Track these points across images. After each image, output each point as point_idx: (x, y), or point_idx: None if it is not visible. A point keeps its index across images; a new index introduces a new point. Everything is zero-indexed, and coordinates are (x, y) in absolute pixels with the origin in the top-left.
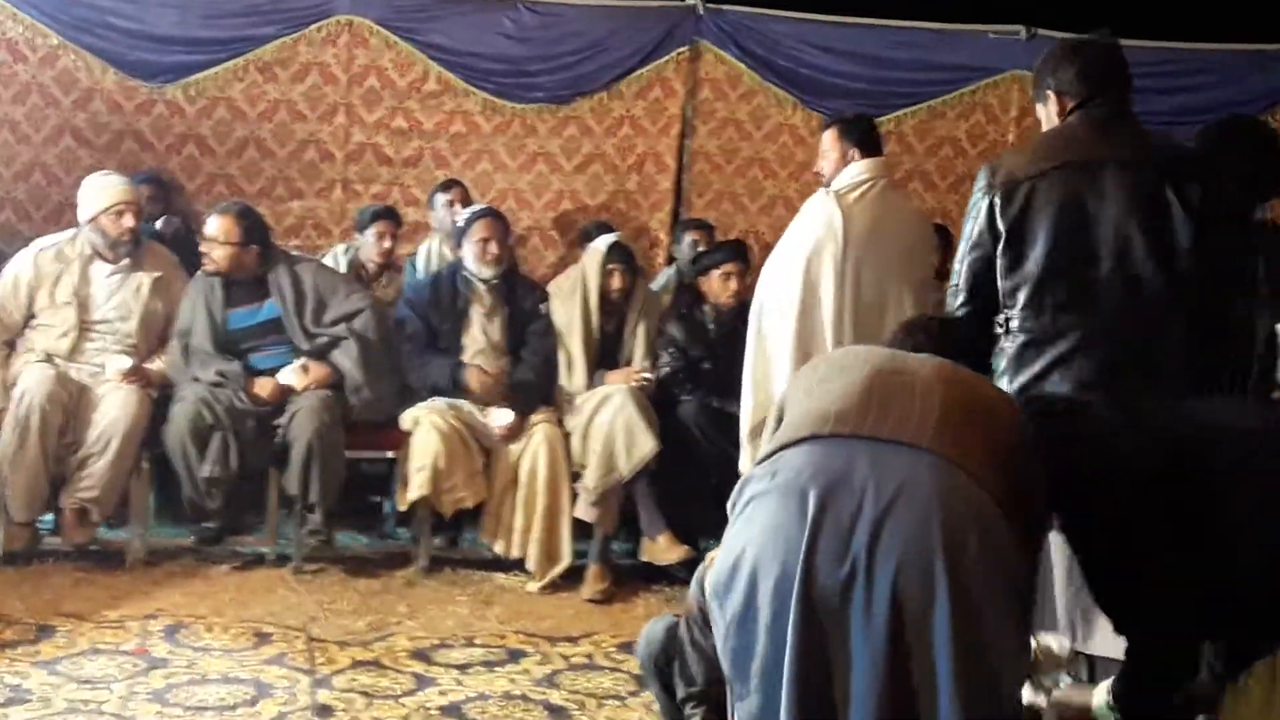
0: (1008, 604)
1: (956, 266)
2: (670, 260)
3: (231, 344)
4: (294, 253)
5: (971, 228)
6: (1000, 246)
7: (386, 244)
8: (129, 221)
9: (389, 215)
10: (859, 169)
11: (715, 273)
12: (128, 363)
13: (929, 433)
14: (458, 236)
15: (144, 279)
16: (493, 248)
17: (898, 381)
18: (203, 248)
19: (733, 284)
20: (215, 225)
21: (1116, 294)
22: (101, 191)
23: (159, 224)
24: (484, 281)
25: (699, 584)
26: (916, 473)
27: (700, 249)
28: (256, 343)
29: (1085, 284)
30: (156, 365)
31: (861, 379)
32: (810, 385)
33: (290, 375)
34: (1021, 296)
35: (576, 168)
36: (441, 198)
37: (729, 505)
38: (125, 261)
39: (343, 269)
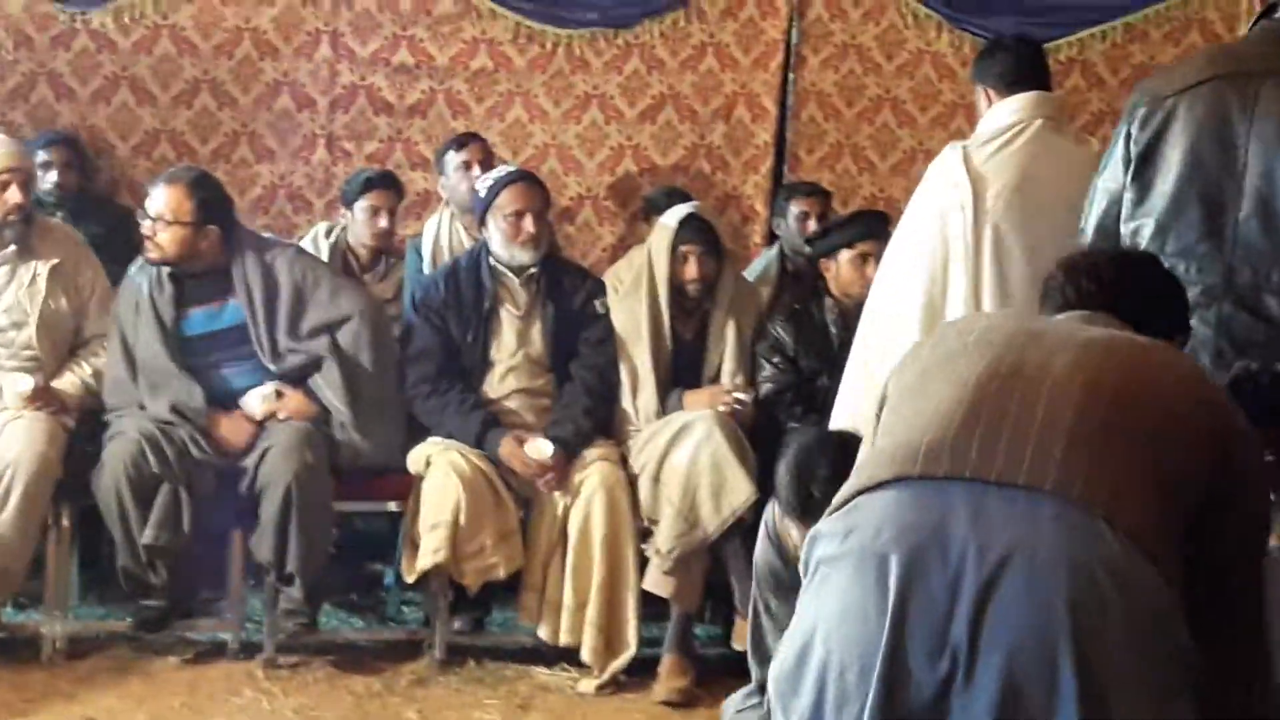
0: (1167, 699)
1: (1085, 208)
2: (771, 238)
3: (188, 357)
4: (265, 235)
5: (1105, 160)
6: (1128, 178)
7: (382, 222)
8: (15, 196)
9: (386, 183)
10: (1003, 111)
11: (844, 255)
12: (30, 382)
13: (1053, 467)
14: (479, 210)
15: (39, 269)
16: (528, 224)
17: (1017, 388)
18: (144, 229)
19: (870, 270)
20: (161, 199)
21: (1252, 246)
22: None
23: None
24: (517, 271)
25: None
26: (1034, 529)
27: (810, 222)
28: (222, 355)
29: (1213, 231)
30: (69, 383)
31: (969, 385)
32: (912, 384)
33: (258, 401)
34: (1142, 241)
35: (642, 115)
36: (455, 158)
37: (800, 566)
38: (11, 249)
39: (324, 257)
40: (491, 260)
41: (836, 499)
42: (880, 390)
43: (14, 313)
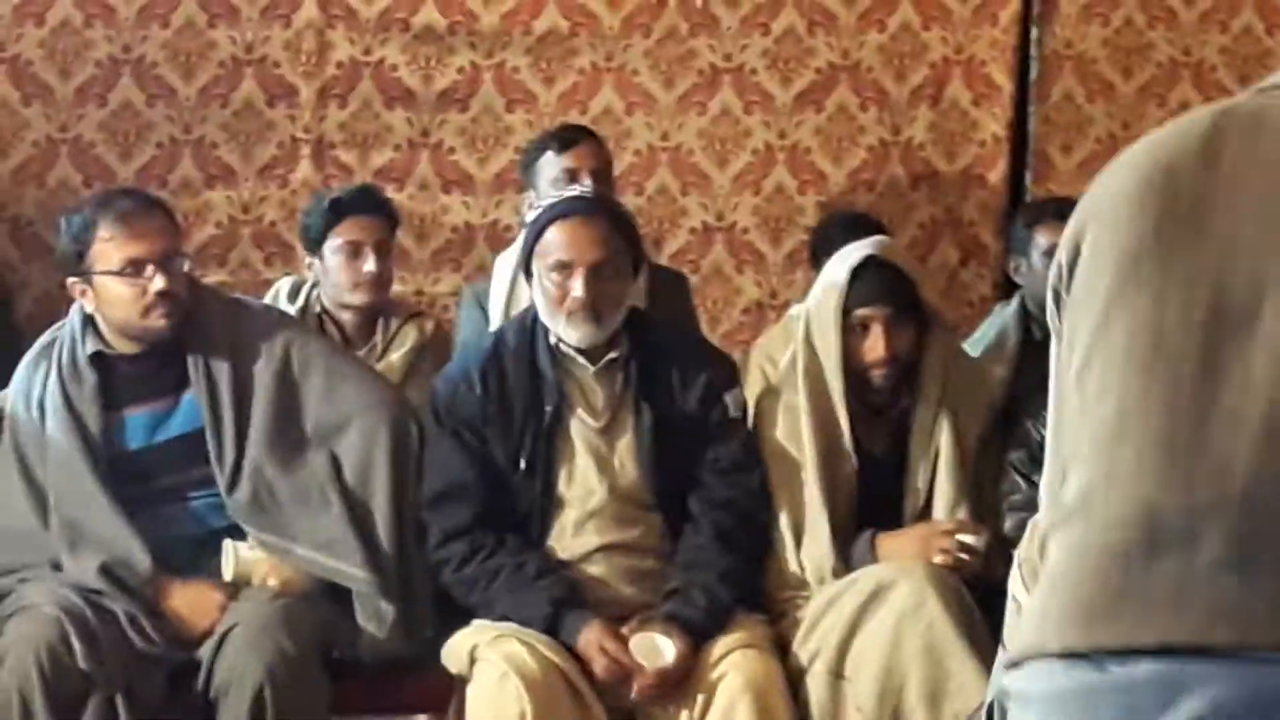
0: None
1: None
2: (1008, 288)
3: (125, 486)
4: (231, 295)
5: None
6: None
7: (368, 265)
8: None
9: (364, 204)
10: None
11: None
12: None
13: None
14: (525, 256)
15: None
16: (576, 285)
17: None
18: (74, 286)
19: None
20: (153, 226)
21: None
22: None
23: None
24: (591, 356)
25: None
26: None
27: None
28: (174, 478)
29: None
30: None
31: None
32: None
33: (232, 561)
34: None
35: (801, 99)
36: (554, 164)
37: None
38: None
39: None
40: (553, 338)
41: (1002, 658)
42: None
43: None
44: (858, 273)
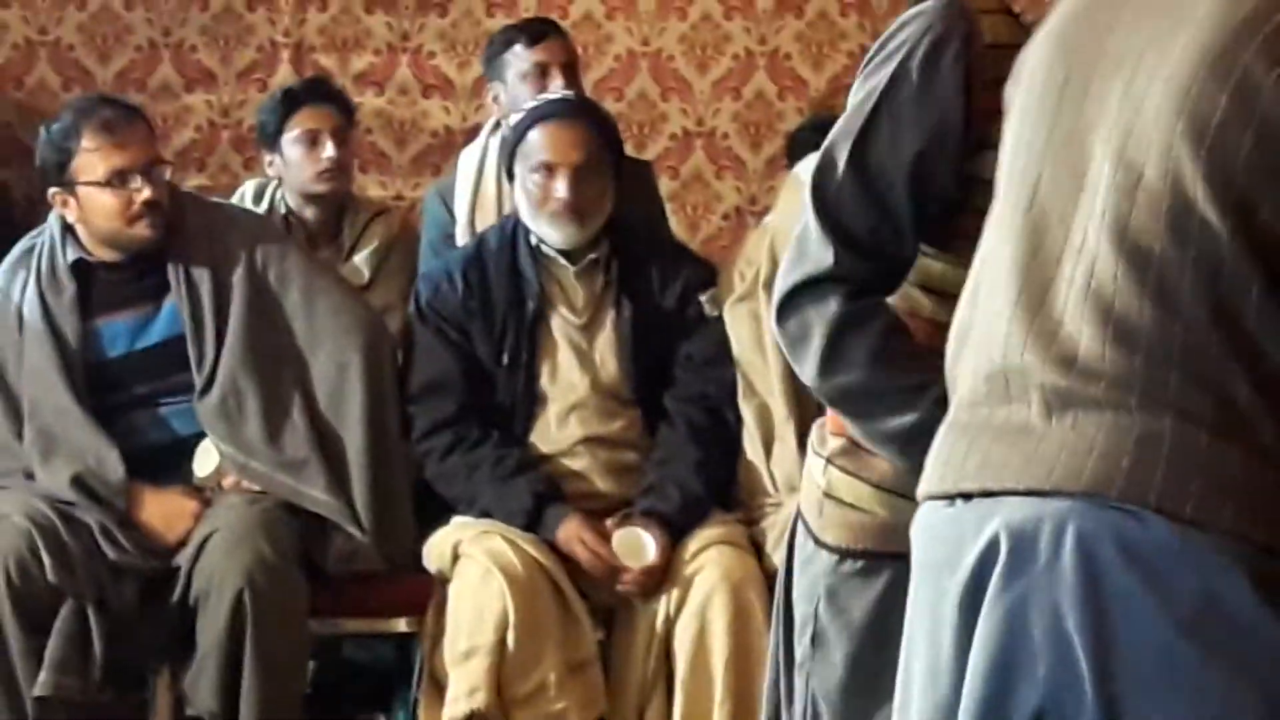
0: None
1: None
2: None
3: (101, 395)
4: (210, 199)
5: None
6: None
7: (327, 152)
8: None
9: (318, 93)
10: None
11: None
12: None
13: None
14: (506, 157)
15: None
16: (560, 185)
17: None
18: (55, 196)
19: None
20: (140, 133)
21: None
22: None
23: None
24: (571, 256)
25: None
26: None
27: None
28: (152, 386)
29: None
30: None
31: None
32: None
33: (207, 461)
34: None
35: (782, 4)
36: (521, 58)
37: None
38: None
39: None
40: (534, 239)
41: None
42: None
43: None
44: None
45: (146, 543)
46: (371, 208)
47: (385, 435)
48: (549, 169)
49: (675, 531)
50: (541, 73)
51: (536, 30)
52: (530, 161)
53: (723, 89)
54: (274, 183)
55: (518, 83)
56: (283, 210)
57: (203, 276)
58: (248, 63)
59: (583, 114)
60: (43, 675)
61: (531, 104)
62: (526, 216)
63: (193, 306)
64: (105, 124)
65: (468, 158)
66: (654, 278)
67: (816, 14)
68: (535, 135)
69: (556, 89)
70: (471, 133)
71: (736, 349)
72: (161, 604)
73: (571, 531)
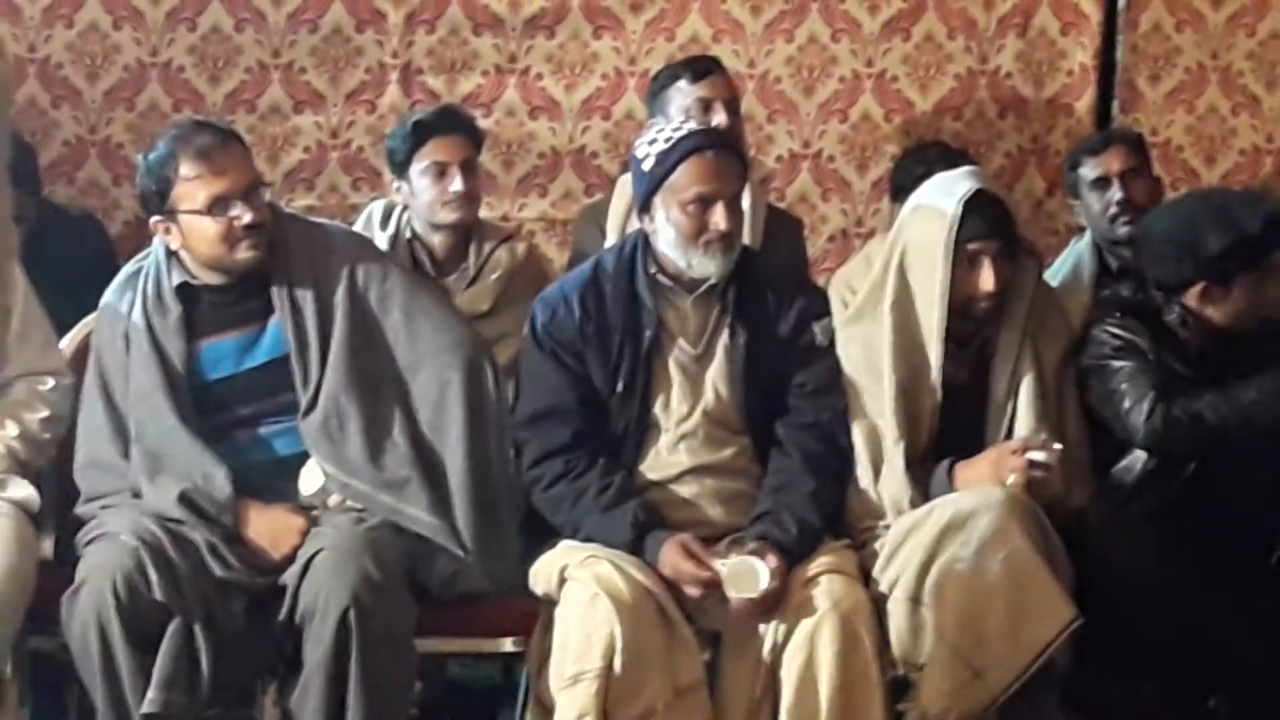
0: None
1: None
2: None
3: (207, 416)
4: (315, 220)
5: None
6: None
7: (455, 184)
8: None
9: (448, 124)
10: None
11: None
12: None
13: None
14: (641, 190)
15: None
16: (718, 217)
17: None
18: (157, 225)
19: None
20: (236, 157)
21: None
22: None
23: None
24: (690, 286)
25: None
26: None
27: (1114, 191)
28: (257, 407)
29: None
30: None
31: None
32: None
33: (312, 480)
34: None
35: (889, 27)
36: (685, 93)
37: None
38: None
39: None
40: (652, 268)
41: None
42: None
43: None
44: (969, 205)
45: (253, 560)
46: (498, 234)
47: (486, 454)
48: (704, 201)
49: (792, 560)
50: (705, 108)
51: (701, 68)
52: (685, 193)
53: (829, 111)
54: (400, 205)
55: (678, 117)
56: (408, 235)
57: (306, 297)
58: (356, 84)
59: (731, 145)
60: (151, 693)
61: (671, 136)
62: (672, 247)
63: (297, 327)
64: (202, 151)
65: (625, 181)
66: (769, 305)
67: (923, 36)
68: (689, 167)
69: (720, 124)
70: (578, 154)
71: (847, 369)
72: (268, 622)
73: (671, 556)
